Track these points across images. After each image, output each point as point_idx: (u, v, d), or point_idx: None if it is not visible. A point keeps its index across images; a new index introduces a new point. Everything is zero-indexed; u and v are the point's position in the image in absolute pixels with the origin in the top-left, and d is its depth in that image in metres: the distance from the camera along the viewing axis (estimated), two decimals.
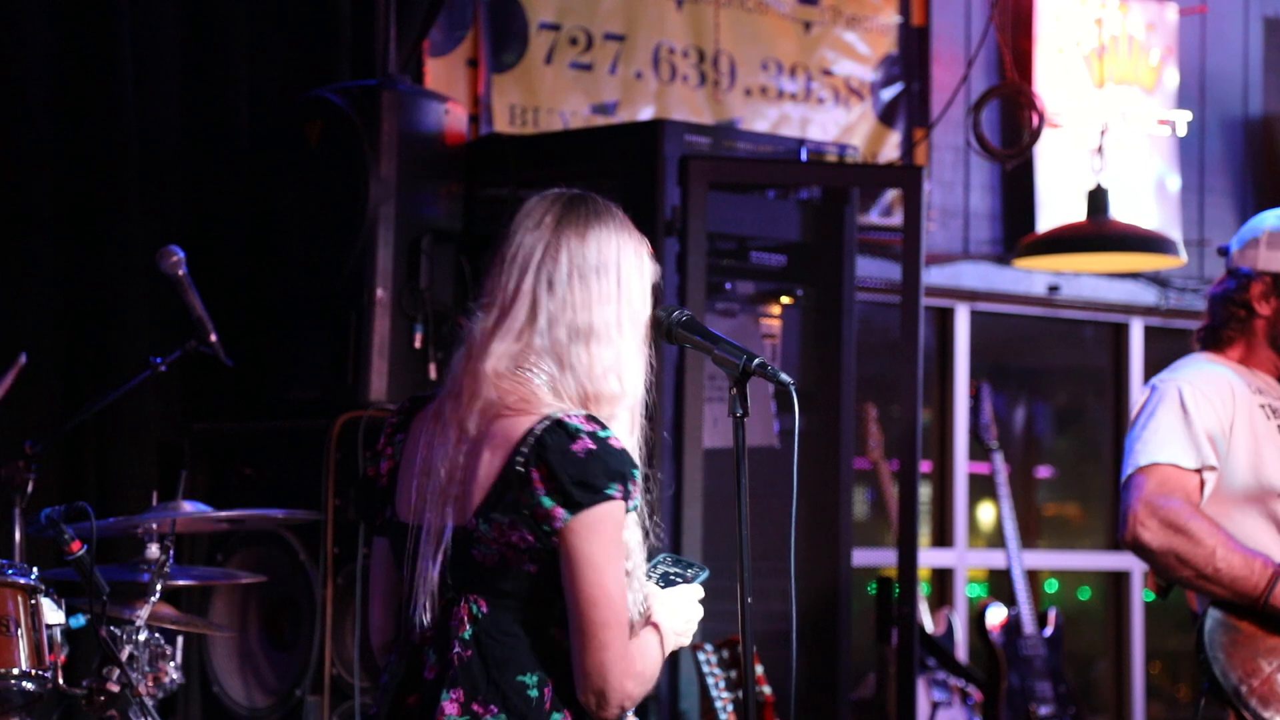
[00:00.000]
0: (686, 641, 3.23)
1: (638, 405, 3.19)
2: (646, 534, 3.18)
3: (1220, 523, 4.27)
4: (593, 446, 3.03)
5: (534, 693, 3.07)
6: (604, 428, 3.06)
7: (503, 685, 3.06)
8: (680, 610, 3.21)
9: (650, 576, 3.22)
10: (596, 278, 3.14)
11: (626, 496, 3.05)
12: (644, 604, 3.18)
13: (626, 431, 3.16)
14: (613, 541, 3.03)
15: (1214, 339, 4.50)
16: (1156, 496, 4.25)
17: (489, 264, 3.22)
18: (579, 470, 3.01)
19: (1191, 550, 4.21)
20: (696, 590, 3.24)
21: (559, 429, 3.04)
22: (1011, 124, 8.01)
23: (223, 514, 4.75)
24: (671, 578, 3.25)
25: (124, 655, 4.42)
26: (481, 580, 3.09)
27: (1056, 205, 8.19)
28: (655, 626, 3.15)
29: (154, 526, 4.58)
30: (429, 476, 3.14)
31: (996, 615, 7.52)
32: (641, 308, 3.19)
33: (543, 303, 3.13)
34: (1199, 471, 4.29)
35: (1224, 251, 4.55)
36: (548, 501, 3.02)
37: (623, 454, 3.05)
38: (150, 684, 4.49)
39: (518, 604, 3.09)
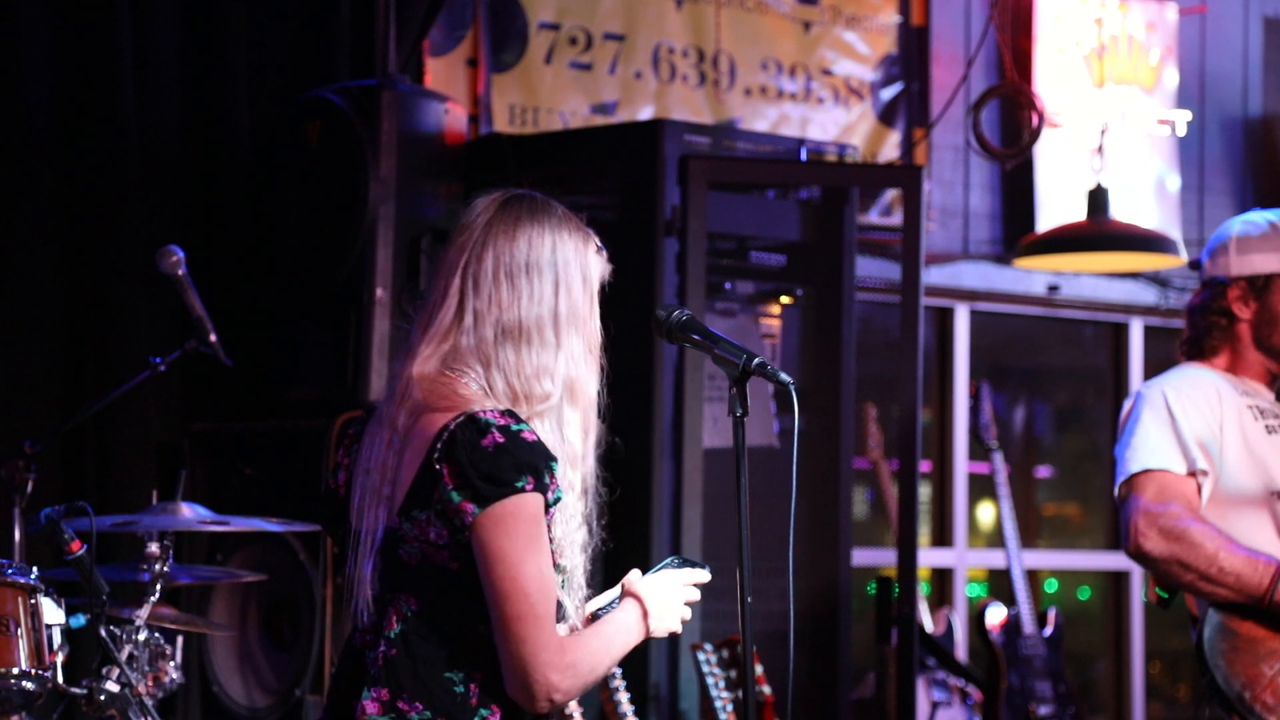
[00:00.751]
0: (674, 625, 3.20)
1: (589, 407, 3.16)
2: (590, 534, 3.16)
3: (1219, 526, 4.27)
4: (501, 440, 3.00)
5: (460, 689, 3.06)
6: (519, 421, 3.03)
7: (429, 682, 3.06)
8: (660, 592, 3.19)
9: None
10: (526, 277, 3.11)
11: (542, 489, 3.01)
12: (583, 606, 3.17)
13: (572, 433, 3.13)
14: (525, 535, 3.00)
15: (1198, 349, 4.51)
16: (1154, 505, 4.25)
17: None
18: (486, 464, 2.99)
19: (1193, 555, 4.21)
20: (683, 575, 3.21)
21: (470, 424, 3.02)
22: (1011, 124, 8.01)
23: (219, 528, 4.73)
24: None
25: (124, 655, 4.42)
26: (409, 579, 3.09)
27: (1056, 205, 8.19)
28: (615, 615, 3.13)
29: (154, 532, 4.58)
30: (367, 476, 3.14)
31: (996, 615, 7.51)
32: (583, 307, 3.16)
33: (469, 302, 3.11)
34: (1192, 475, 4.29)
35: (1196, 265, 4.57)
36: (456, 496, 3.01)
37: (534, 446, 3.02)
38: (150, 684, 4.49)
39: (443, 601, 3.08)
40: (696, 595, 3.24)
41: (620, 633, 3.14)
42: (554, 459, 3.04)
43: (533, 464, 3.01)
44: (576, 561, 3.14)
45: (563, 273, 3.13)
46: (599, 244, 3.22)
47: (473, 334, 3.11)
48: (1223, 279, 4.45)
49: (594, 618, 3.21)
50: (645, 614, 3.15)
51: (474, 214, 3.17)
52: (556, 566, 3.09)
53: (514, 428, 3.02)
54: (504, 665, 3.03)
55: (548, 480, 3.03)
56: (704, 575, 3.24)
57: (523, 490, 2.99)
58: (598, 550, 3.21)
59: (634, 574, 3.23)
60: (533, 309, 3.11)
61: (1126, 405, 4.43)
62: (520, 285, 3.11)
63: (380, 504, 3.11)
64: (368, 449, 3.16)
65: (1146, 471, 4.29)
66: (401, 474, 3.08)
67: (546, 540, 3.04)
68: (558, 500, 3.06)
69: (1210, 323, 4.47)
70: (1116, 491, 4.33)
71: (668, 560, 3.26)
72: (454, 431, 3.02)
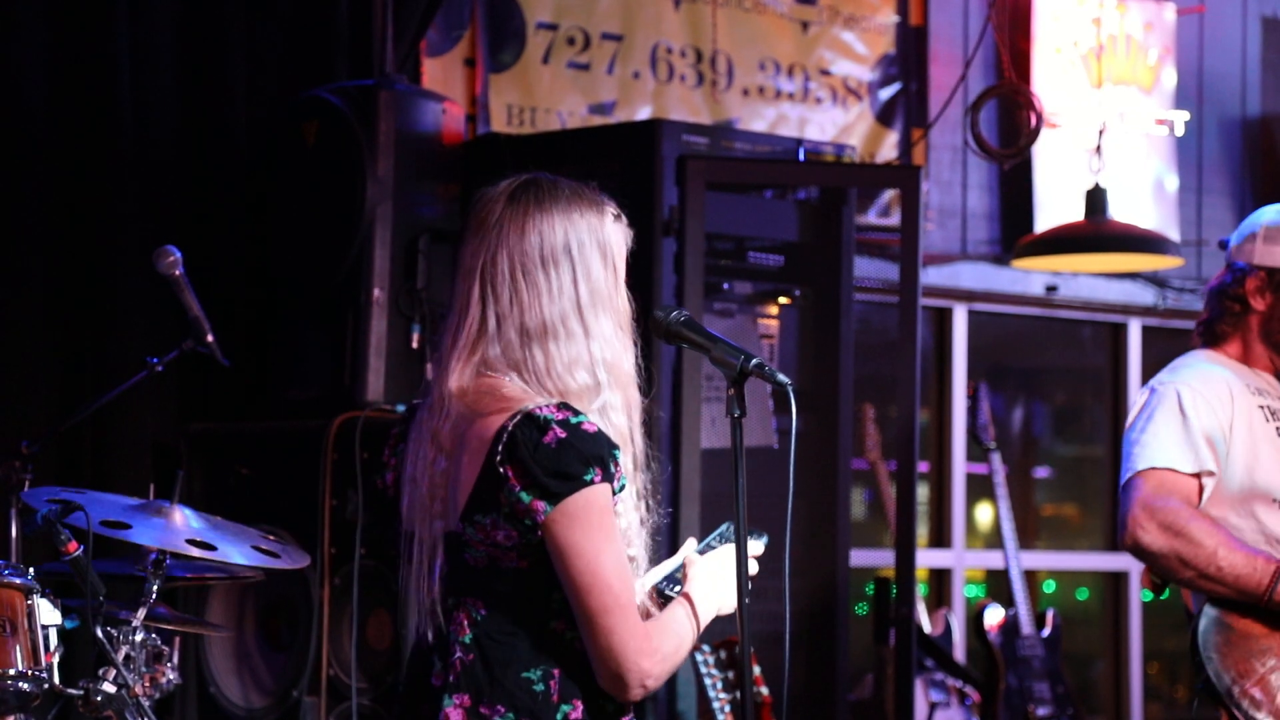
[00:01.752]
0: (730, 606, 3.19)
1: (628, 385, 3.14)
2: (650, 511, 3.17)
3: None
4: (563, 435, 3.00)
5: (539, 687, 3.06)
6: (576, 414, 3.03)
7: (507, 684, 3.05)
8: (711, 574, 3.18)
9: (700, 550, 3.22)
10: (542, 271, 3.09)
11: (609, 479, 3.02)
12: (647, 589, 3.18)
13: (616, 415, 3.12)
14: (599, 526, 3.01)
15: (1211, 334, 4.49)
16: (1154, 499, 4.24)
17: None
18: (553, 461, 2.99)
19: (1192, 551, 4.20)
20: (729, 552, 3.18)
21: (529, 422, 3.01)
22: (1009, 124, 8.01)
23: (205, 554, 4.70)
24: (712, 544, 3.25)
25: (120, 656, 4.41)
26: (476, 584, 3.09)
27: (1054, 205, 8.18)
28: (685, 597, 3.15)
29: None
30: (415, 486, 3.14)
31: (994, 616, 7.51)
32: (607, 285, 3.13)
33: (490, 309, 3.09)
34: (1197, 476, 4.28)
35: (1224, 245, 4.54)
36: (526, 496, 3.00)
37: (597, 437, 3.02)
38: (147, 684, 4.48)
39: (513, 602, 3.08)
40: (754, 568, 3.22)
41: (688, 620, 3.14)
42: (616, 447, 3.05)
43: (598, 455, 3.00)
44: (641, 545, 3.15)
45: (579, 257, 3.10)
46: (616, 210, 3.18)
47: (498, 341, 3.09)
48: (1244, 266, 4.43)
49: (657, 592, 3.21)
50: (694, 613, 3.14)
51: (483, 210, 3.13)
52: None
53: (573, 420, 3.01)
54: (594, 658, 3.03)
55: (613, 469, 3.03)
56: (759, 545, 3.23)
57: (591, 483, 3.00)
58: (658, 525, 3.21)
59: (689, 551, 3.22)
60: (554, 304, 3.08)
61: (1140, 397, 4.41)
62: (538, 282, 3.08)
63: (434, 515, 3.10)
64: (412, 457, 3.16)
65: (1151, 469, 4.28)
66: (461, 480, 3.07)
67: (618, 530, 3.05)
68: (623, 487, 3.06)
69: (1224, 307, 4.45)
70: (1121, 483, 4.32)
71: (721, 528, 3.25)
72: (513, 432, 3.01)
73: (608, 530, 3.02)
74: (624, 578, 3.03)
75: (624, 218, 3.20)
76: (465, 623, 3.09)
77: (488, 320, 3.09)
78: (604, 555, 3.01)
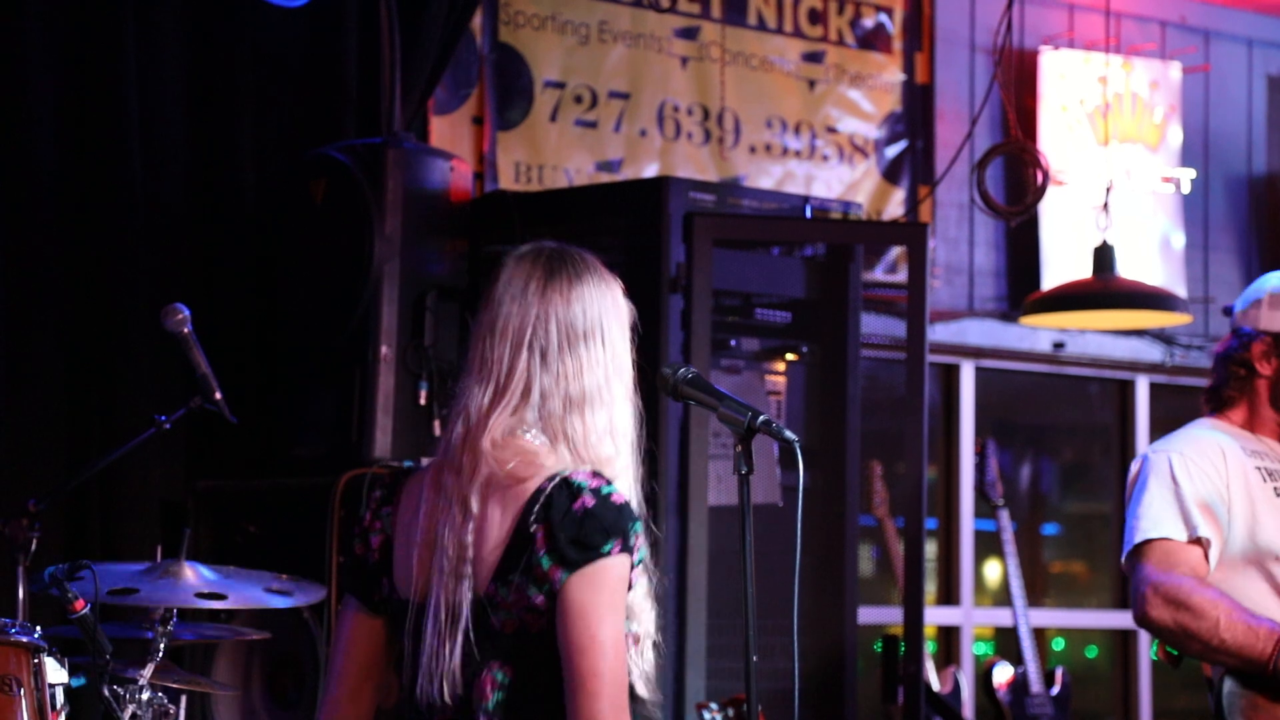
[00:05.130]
0: None
1: (632, 450, 3.19)
2: (651, 577, 3.18)
3: (1227, 589, 4.24)
4: (590, 504, 3.03)
5: None
6: (608, 483, 3.07)
7: None
8: None
9: None
10: (585, 344, 3.15)
11: (628, 550, 3.04)
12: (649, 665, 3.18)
13: (630, 482, 3.16)
14: (610, 594, 3.02)
15: (1218, 400, 4.48)
16: (1159, 573, 4.23)
17: (476, 325, 3.21)
18: (575, 529, 3.02)
19: (1196, 624, 4.19)
20: None
21: (564, 487, 3.05)
22: (1016, 181, 8.02)
23: (215, 604, 4.70)
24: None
25: (127, 715, 4.40)
26: (504, 648, 3.08)
27: (1061, 262, 8.19)
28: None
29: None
30: (434, 550, 3.12)
31: (1003, 674, 7.48)
32: (625, 356, 3.20)
33: (536, 377, 3.13)
34: (1196, 543, 4.27)
35: (1229, 311, 4.54)
36: (546, 562, 3.03)
37: (622, 509, 3.05)
38: None
39: (542, 667, 3.08)
40: None
41: None
42: (638, 519, 3.08)
43: (620, 527, 3.04)
44: (646, 622, 3.16)
45: (607, 330, 3.18)
46: (622, 285, 3.27)
47: (540, 408, 3.13)
48: (1250, 331, 4.43)
49: None
50: None
51: (523, 278, 3.18)
52: (629, 632, 3.11)
53: (604, 490, 3.06)
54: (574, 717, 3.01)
55: (633, 542, 3.06)
56: None
57: (609, 554, 3.03)
58: (661, 592, 3.22)
59: None
60: (593, 375, 3.15)
61: (1134, 468, 4.40)
62: (581, 354, 3.15)
63: (462, 579, 3.09)
64: (428, 519, 3.15)
65: (1149, 541, 4.27)
66: (489, 542, 3.08)
67: (625, 605, 3.07)
68: (641, 560, 3.09)
69: (1230, 372, 4.45)
70: (1124, 562, 4.31)
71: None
72: (550, 494, 3.05)
73: (616, 602, 3.04)
74: (620, 652, 3.03)
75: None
76: (489, 687, 3.08)
77: (532, 387, 3.13)
78: (606, 623, 3.02)
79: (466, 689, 3.09)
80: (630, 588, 3.09)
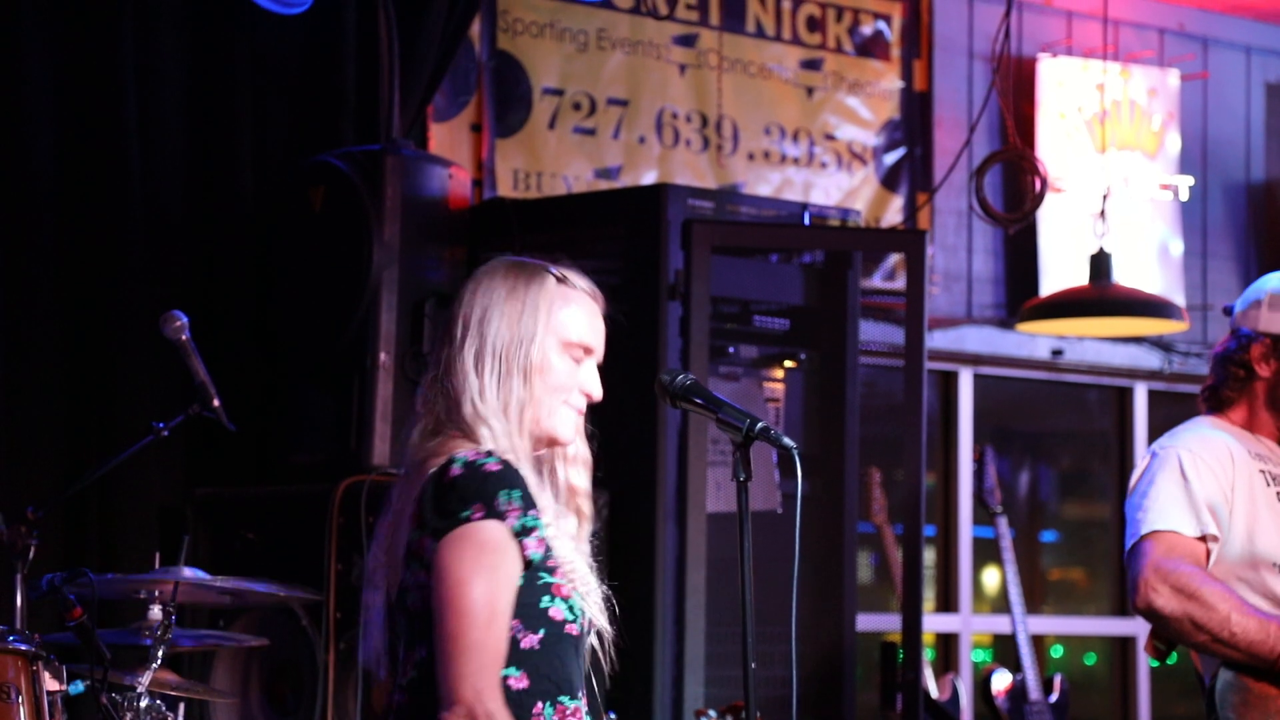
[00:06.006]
0: None
1: (518, 423, 3.17)
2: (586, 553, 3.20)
3: None
4: (457, 473, 3.06)
5: None
6: (489, 456, 3.08)
7: None
8: None
9: None
10: (465, 334, 3.19)
11: (496, 516, 3.04)
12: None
13: (521, 456, 3.15)
14: (474, 559, 3.02)
15: (1216, 400, 4.49)
16: (1165, 562, 4.22)
17: None
18: (440, 498, 3.06)
19: (1205, 615, 4.18)
20: None
21: (445, 465, 3.09)
22: (1014, 188, 8.03)
23: (222, 584, 4.72)
24: None
25: None
26: (418, 628, 3.12)
27: (1059, 269, 8.20)
28: None
29: (155, 593, 4.56)
30: (385, 547, 3.22)
31: (1001, 681, 7.48)
32: (512, 336, 3.18)
33: (440, 377, 3.23)
34: (1202, 539, 4.27)
35: (1228, 311, 4.54)
36: (417, 535, 3.09)
37: (489, 476, 3.06)
38: None
39: None
40: None
41: None
42: (515, 487, 3.06)
43: (484, 492, 3.04)
44: (586, 577, 3.15)
45: (487, 315, 3.18)
46: (559, 274, 3.23)
47: (446, 404, 3.19)
48: (1249, 332, 4.43)
49: None
50: None
51: (461, 290, 3.25)
52: (568, 602, 3.10)
53: (479, 462, 3.07)
54: (438, 684, 3.03)
55: (503, 508, 3.04)
56: None
57: (468, 519, 3.03)
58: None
59: None
60: (465, 361, 3.18)
61: (1141, 462, 4.40)
62: (460, 344, 3.18)
63: (391, 566, 3.17)
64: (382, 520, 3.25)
65: (1156, 532, 4.27)
66: (402, 526, 3.14)
67: (502, 572, 3.05)
68: (530, 527, 3.06)
69: (1229, 373, 4.45)
70: (1126, 552, 4.31)
71: None
72: (433, 475, 3.09)
73: (484, 565, 3.03)
74: (490, 620, 3.02)
75: (583, 289, 3.25)
76: (409, 665, 3.14)
77: (443, 385, 3.22)
78: (472, 585, 3.02)
79: (392, 666, 3.18)
80: (528, 559, 3.06)
